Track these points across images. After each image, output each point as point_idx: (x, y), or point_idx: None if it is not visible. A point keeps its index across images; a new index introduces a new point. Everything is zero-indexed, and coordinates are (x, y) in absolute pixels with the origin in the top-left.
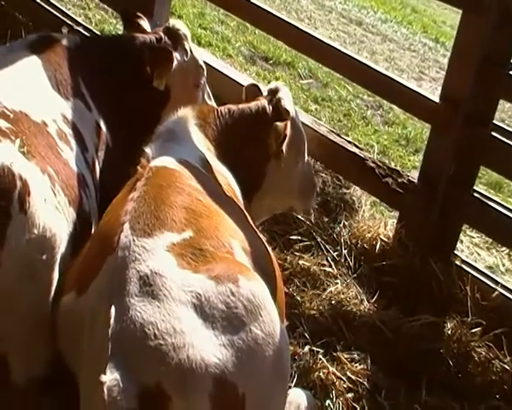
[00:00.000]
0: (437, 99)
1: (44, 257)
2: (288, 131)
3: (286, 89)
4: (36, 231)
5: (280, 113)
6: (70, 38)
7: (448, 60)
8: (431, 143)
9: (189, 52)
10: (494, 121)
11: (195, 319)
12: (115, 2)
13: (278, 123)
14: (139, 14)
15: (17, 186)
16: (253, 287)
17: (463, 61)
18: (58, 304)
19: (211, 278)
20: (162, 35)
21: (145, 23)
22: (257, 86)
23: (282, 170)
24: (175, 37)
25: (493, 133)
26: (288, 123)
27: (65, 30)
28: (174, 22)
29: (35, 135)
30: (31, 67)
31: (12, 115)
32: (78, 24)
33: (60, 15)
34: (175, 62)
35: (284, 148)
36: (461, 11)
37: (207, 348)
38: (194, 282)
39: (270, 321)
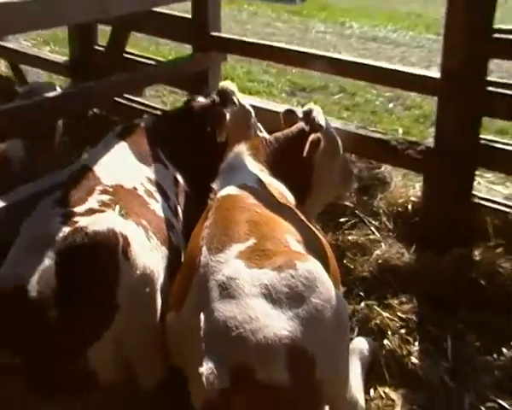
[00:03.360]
0: (437, 75)
1: (148, 289)
2: (320, 137)
3: (317, 107)
4: (138, 272)
5: (315, 128)
6: (147, 120)
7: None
8: (439, 113)
9: (237, 103)
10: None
11: (266, 305)
12: (180, 84)
13: (313, 134)
14: (196, 97)
15: (120, 242)
16: (308, 266)
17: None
18: (164, 322)
19: (274, 269)
20: (214, 97)
21: (202, 99)
22: (291, 110)
23: (325, 173)
24: (224, 95)
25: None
26: (319, 134)
27: (145, 116)
28: (223, 84)
29: (129, 199)
30: (120, 150)
31: (111, 190)
32: (156, 109)
33: (142, 107)
34: (227, 117)
35: (315, 150)
36: None
37: (278, 324)
38: (261, 276)
39: (326, 290)
